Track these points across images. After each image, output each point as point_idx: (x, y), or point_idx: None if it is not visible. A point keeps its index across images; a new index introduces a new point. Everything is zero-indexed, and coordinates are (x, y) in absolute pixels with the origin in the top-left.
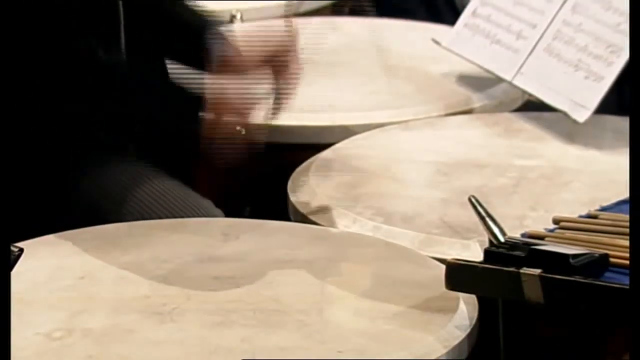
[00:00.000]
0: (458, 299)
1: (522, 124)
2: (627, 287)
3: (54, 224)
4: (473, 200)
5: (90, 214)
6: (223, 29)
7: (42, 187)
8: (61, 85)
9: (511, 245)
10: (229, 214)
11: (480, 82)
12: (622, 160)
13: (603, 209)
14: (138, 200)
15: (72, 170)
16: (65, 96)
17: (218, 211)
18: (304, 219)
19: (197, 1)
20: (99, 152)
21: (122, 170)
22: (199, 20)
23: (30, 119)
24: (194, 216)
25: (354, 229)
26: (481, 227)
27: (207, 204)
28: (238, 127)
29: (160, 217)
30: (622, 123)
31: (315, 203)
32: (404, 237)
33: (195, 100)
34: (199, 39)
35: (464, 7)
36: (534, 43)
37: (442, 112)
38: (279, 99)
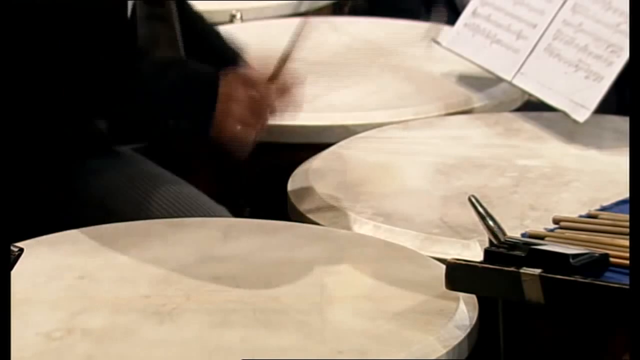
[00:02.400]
0: (458, 298)
1: (522, 123)
2: (627, 287)
3: (57, 223)
4: (473, 199)
5: (97, 216)
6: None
7: (45, 186)
8: (70, 83)
9: (511, 245)
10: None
11: (481, 82)
12: (622, 160)
13: (603, 209)
14: (150, 205)
15: (78, 170)
16: (75, 93)
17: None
18: (303, 219)
19: (198, 0)
20: (107, 152)
21: (132, 172)
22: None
23: (34, 117)
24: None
25: (354, 228)
26: (481, 226)
27: (221, 209)
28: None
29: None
30: (622, 123)
31: (315, 203)
32: (404, 237)
33: (207, 99)
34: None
35: (464, 7)
36: (534, 43)
37: (442, 112)
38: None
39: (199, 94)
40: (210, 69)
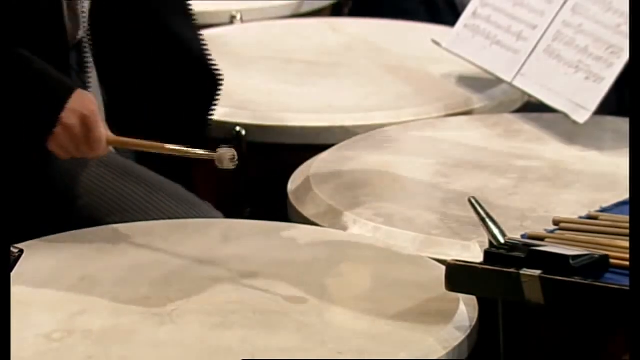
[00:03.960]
0: (458, 300)
1: (522, 124)
2: (627, 288)
3: (51, 226)
4: (473, 201)
5: (91, 221)
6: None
7: (39, 187)
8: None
9: (511, 246)
10: (229, 215)
11: (480, 83)
12: (622, 161)
13: (603, 210)
14: (136, 207)
15: (69, 171)
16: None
17: (218, 213)
18: (303, 220)
19: (198, 1)
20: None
21: (124, 176)
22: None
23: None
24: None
25: (354, 229)
26: (481, 228)
27: (207, 206)
28: None
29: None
30: (622, 124)
31: (315, 204)
32: (404, 238)
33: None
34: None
35: (464, 8)
36: (534, 44)
37: (442, 113)
38: None
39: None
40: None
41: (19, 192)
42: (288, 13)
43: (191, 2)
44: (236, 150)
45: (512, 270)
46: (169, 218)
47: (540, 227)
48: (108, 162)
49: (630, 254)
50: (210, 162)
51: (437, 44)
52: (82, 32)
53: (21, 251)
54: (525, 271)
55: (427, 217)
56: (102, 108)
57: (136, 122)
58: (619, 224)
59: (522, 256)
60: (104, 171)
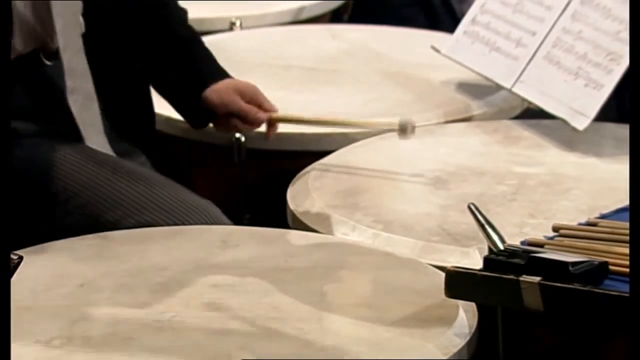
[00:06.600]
0: (457, 306)
1: (521, 131)
2: (627, 294)
3: (50, 230)
4: (472, 207)
5: (87, 219)
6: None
7: (39, 194)
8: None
9: (511, 252)
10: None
11: (480, 89)
12: (621, 167)
13: (602, 217)
14: (135, 204)
15: (62, 171)
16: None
17: (217, 210)
18: (303, 226)
19: (198, 4)
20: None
21: (119, 173)
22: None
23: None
24: (193, 216)
25: (353, 236)
26: (480, 234)
27: (207, 203)
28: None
29: (158, 221)
30: (622, 131)
31: (314, 210)
32: (403, 245)
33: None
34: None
35: (463, 14)
36: (533, 51)
37: (442, 120)
38: None
39: None
40: None
41: (15, 196)
42: (288, 19)
43: (191, 8)
44: (236, 156)
45: (511, 276)
46: (166, 213)
47: (539, 234)
48: (101, 161)
49: (630, 260)
50: (209, 169)
51: (437, 50)
52: (63, 41)
53: (21, 258)
54: (525, 278)
55: (426, 224)
56: (99, 114)
57: (133, 127)
58: (619, 231)
59: (522, 263)
60: (99, 169)
